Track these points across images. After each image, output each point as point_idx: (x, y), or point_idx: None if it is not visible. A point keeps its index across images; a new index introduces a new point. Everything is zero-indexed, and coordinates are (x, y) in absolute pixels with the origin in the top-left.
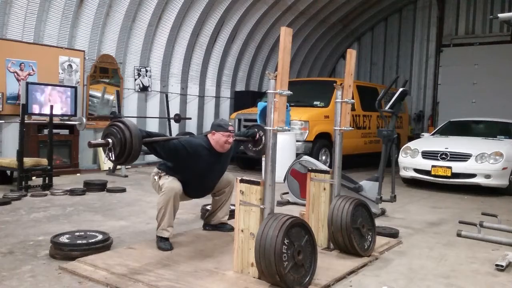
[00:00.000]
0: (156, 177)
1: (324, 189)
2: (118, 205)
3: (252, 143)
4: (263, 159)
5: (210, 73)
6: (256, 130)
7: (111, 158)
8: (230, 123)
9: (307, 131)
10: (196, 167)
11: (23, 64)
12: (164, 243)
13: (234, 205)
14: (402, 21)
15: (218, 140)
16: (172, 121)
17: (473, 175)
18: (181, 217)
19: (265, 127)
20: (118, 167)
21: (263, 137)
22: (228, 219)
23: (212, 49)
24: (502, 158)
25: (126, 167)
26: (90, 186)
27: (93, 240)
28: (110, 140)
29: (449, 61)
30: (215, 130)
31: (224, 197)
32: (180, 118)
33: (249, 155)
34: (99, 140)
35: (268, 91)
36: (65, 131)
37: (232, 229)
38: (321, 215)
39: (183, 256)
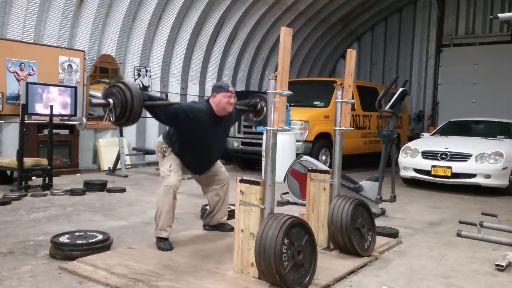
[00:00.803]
0: (160, 154)
1: (324, 189)
2: (118, 205)
3: (254, 113)
4: (263, 159)
5: (210, 73)
6: (258, 100)
7: (111, 119)
8: (230, 85)
9: (307, 131)
10: (197, 133)
11: (23, 64)
12: (163, 243)
13: (234, 205)
14: (402, 21)
15: (219, 102)
16: None
17: (473, 175)
18: (181, 217)
19: (266, 127)
20: (118, 167)
21: (265, 108)
22: (228, 219)
23: (212, 49)
24: (502, 158)
25: (126, 167)
26: (90, 186)
27: (93, 240)
28: (111, 101)
29: (449, 61)
30: (216, 92)
31: (221, 196)
32: None
33: (250, 124)
34: (100, 100)
35: (268, 91)
36: (65, 131)
37: (232, 229)
38: (321, 215)
39: (183, 256)
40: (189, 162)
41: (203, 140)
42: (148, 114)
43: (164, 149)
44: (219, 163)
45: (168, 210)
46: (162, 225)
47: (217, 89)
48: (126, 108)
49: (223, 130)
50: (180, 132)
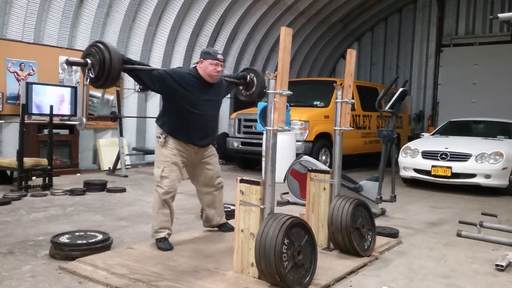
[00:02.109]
0: (158, 144)
1: (324, 189)
2: (118, 205)
3: (244, 86)
4: (263, 159)
5: None
6: (246, 73)
7: (90, 78)
8: (219, 52)
9: (307, 131)
10: (187, 97)
11: (23, 64)
12: (163, 243)
13: (234, 205)
14: (402, 21)
15: (205, 68)
16: None
17: (473, 175)
18: (181, 217)
19: (266, 127)
20: (118, 167)
21: (255, 79)
22: (228, 219)
23: None
24: (502, 158)
25: (126, 167)
26: (90, 186)
27: (93, 240)
28: (89, 60)
29: (449, 61)
30: (203, 58)
31: (216, 195)
32: None
33: (241, 99)
34: (77, 59)
35: (268, 91)
36: (65, 131)
37: (232, 229)
38: (321, 215)
39: (183, 256)
40: (188, 134)
41: (195, 104)
42: (148, 114)
43: (159, 134)
44: (216, 154)
45: (162, 213)
46: (157, 226)
47: (204, 55)
48: (104, 67)
49: (215, 100)
50: (170, 101)
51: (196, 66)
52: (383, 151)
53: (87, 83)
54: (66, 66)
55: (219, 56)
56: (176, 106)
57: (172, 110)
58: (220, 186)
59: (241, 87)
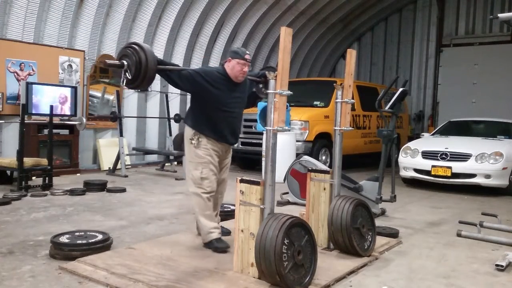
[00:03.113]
0: (188, 143)
1: (324, 189)
2: (118, 205)
3: (264, 84)
4: (263, 159)
5: None
6: (266, 71)
7: (128, 78)
8: (247, 52)
9: (307, 131)
10: (216, 95)
11: (23, 64)
12: (220, 243)
13: (234, 205)
14: (402, 21)
15: (232, 67)
16: (172, 121)
17: (473, 175)
18: (181, 217)
19: (266, 127)
20: (118, 167)
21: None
22: (229, 219)
23: (212, 49)
24: (502, 158)
25: (126, 167)
26: (90, 186)
27: (93, 240)
28: (125, 62)
29: (449, 61)
30: (231, 57)
31: (220, 199)
32: (180, 118)
33: (260, 96)
34: (115, 61)
35: (268, 91)
36: (65, 131)
37: (228, 233)
38: (321, 215)
39: (183, 256)
40: (220, 132)
41: (224, 102)
42: (148, 114)
43: (192, 136)
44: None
45: (208, 215)
46: (207, 229)
47: (233, 54)
48: (140, 68)
49: (242, 98)
50: (200, 100)
51: (223, 65)
52: (383, 151)
53: (123, 84)
54: (104, 65)
55: (247, 56)
56: (206, 104)
57: (202, 109)
58: (226, 182)
59: (261, 85)
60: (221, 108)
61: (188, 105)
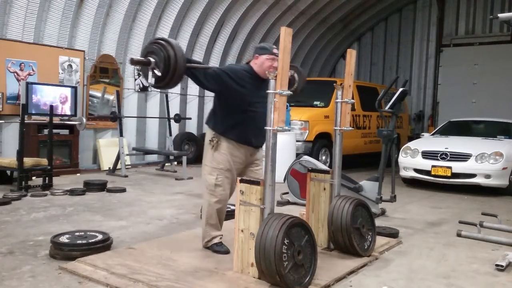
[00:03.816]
0: (208, 146)
1: (324, 189)
2: (118, 205)
3: None
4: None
5: None
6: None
7: (157, 75)
8: (274, 46)
9: (307, 131)
10: (242, 94)
11: (23, 64)
12: (220, 247)
13: (234, 205)
14: (402, 21)
15: (261, 64)
16: (172, 121)
17: (473, 175)
18: (181, 217)
19: (265, 127)
20: (118, 167)
21: (296, 76)
22: (229, 219)
23: (212, 49)
24: (502, 158)
25: (126, 167)
26: (90, 186)
27: (93, 240)
28: (152, 59)
29: (449, 61)
30: (259, 54)
31: None
32: (180, 118)
33: None
34: (141, 58)
35: (268, 91)
36: (65, 131)
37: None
38: (321, 215)
39: (183, 256)
40: (243, 134)
41: (251, 102)
42: (148, 114)
43: (211, 138)
44: (263, 159)
45: (212, 224)
46: (208, 237)
47: (260, 50)
48: (169, 65)
49: (267, 97)
50: (225, 99)
51: (249, 63)
52: (383, 151)
53: (152, 82)
54: (130, 63)
55: (275, 51)
56: (232, 104)
57: (227, 109)
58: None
59: None
60: (247, 108)
61: (188, 105)
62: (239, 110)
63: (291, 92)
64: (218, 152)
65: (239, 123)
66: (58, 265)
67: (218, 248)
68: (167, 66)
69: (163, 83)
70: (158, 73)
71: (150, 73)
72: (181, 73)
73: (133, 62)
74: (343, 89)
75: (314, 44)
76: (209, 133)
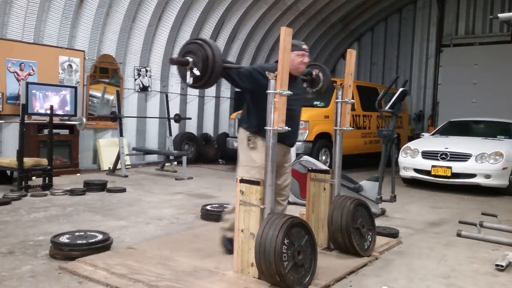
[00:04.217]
0: (246, 146)
1: (324, 189)
2: (118, 205)
3: (309, 83)
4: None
5: None
6: (311, 69)
7: (196, 75)
8: (303, 42)
9: (307, 131)
10: None
11: (23, 64)
12: (231, 244)
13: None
14: (402, 21)
15: (292, 61)
16: (172, 121)
17: (473, 175)
18: (181, 217)
19: (265, 127)
20: (118, 167)
21: (320, 75)
22: None
23: None
24: (502, 158)
25: (126, 167)
26: (90, 186)
27: (93, 240)
28: (190, 59)
29: (449, 61)
30: None
31: (285, 206)
32: (180, 118)
33: (308, 97)
34: (180, 58)
35: (268, 91)
36: (65, 131)
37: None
38: (321, 215)
39: (183, 256)
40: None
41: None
42: (148, 114)
43: (247, 138)
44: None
45: None
46: (230, 226)
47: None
48: (207, 64)
49: (300, 95)
50: (258, 98)
51: (278, 62)
52: (383, 151)
53: (190, 82)
54: (172, 64)
55: (305, 47)
56: (265, 103)
57: (260, 109)
58: (288, 196)
59: (305, 84)
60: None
61: (188, 105)
62: None
63: (314, 93)
64: (255, 151)
65: None
66: (58, 265)
67: (229, 246)
68: (205, 66)
69: (201, 83)
70: (197, 73)
71: (188, 73)
72: (219, 73)
73: (173, 62)
74: (343, 89)
75: (314, 44)
76: (243, 133)
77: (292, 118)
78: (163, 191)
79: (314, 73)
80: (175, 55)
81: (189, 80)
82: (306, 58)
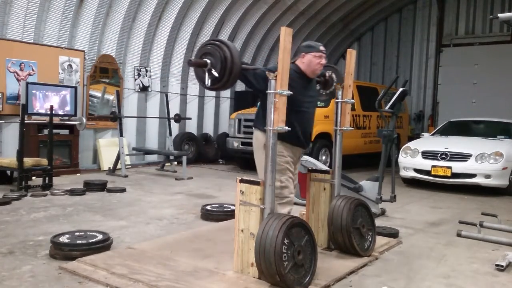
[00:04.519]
0: (262, 150)
1: (324, 189)
2: (118, 205)
3: (322, 85)
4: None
5: None
6: (324, 70)
7: (214, 77)
8: (320, 44)
9: None
10: (293, 94)
11: (23, 64)
12: None
13: (234, 205)
14: (402, 21)
15: (309, 62)
16: (172, 121)
17: (473, 175)
18: (181, 217)
19: (265, 127)
20: (118, 167)
21: (334, 76)
22: (229, 219)
23: None
24: (502, 158)
25: (126, 167)
26: (90, 186)
27: (93, 240)
28: (208, 60)
29: (449, 61)
30: (305, 52)
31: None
32: (180, 118)
33: (320, 100)
34: (198, 60)
35: (268, 91)
36: (65, 131)
37: None
38: (321, 215)
39: (183, 256)
40: (296, 135)
41: (301, 101)
42: (148, 114)
43: (266, 142)
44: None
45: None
46: None
47: (307, 48)
48: (226, 65)
49: (315, 97)
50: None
51: (295, 62)
52: (383, 151)
53: (208, 84)
54: (189, 65)
55: (322, 48)
56: None
57: None
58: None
59: (318, 86)
60: (297, 108)
61: (188, 105)
62: (290, 110)
63: (327, 95)
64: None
65: (290, 124)
66: (58, 265)
67: None
68: (224, 67)
69: (219, 84)
70: (216, 74)
71: (206, 75)
72: (237, 74)
73: (191, 63)
74: (343, 89)
75: None
76: (261, 136)
77: (308, 120)
78: (163, 191)
79: (327, 74)
80: (175, 55)
81: (208, 81)
82: (323, 59)
